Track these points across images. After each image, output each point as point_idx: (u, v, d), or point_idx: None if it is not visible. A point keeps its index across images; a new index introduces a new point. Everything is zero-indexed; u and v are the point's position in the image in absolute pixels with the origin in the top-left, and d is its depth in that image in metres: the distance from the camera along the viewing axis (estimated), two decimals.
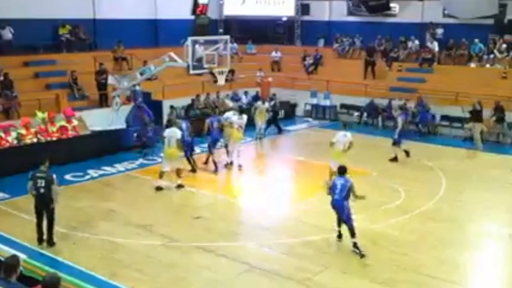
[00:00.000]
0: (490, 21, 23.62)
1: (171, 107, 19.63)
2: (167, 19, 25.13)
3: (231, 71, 20.97)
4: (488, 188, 14.40)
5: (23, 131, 15.48)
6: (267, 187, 14.90)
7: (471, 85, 20.98)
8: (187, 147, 15.11)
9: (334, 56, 26.91)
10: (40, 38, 21.13)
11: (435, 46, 23.91)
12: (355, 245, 10.22)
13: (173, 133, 13.85)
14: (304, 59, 26.47)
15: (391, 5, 26.35)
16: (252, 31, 28.56)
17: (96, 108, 18.99)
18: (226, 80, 18.88)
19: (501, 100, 19.57)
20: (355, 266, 9.83)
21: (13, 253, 6.74)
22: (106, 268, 9.55)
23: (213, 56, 17.56)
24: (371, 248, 10.46)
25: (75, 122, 16.75)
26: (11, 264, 5.86)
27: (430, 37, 24.52)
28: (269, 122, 20.21)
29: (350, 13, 28.06)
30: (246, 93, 23.36)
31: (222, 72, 17.77)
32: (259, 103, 20.10)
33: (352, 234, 10.24)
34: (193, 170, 15.48)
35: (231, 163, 16.01)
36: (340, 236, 10.75)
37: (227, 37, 18.99)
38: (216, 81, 18.04)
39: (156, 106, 18.79)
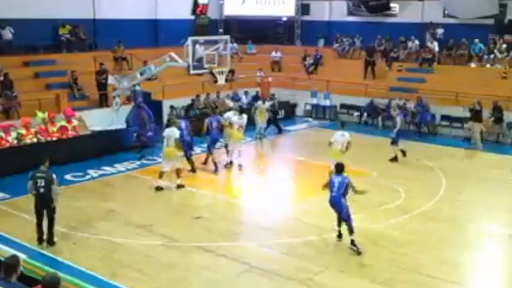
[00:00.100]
0: (490, 21, 23.63)
1: (171, 107, 19.67)
2: (167, 19, 25.14)
3: (231, 71, 21.02)
4: (488, 188, 14.40)
5: (23, 131, 15.49)
6: (267, 187, 14.89)
7: (471, 85, 20.98)
8: (186, 147, 15.13)
9: (334, 56, 26.92)
10: (40, 38, 21.13)
11: (435, 46, 23.91)
12: (352, 242, 10.32)
13: (171, 133, 13.87)
14: (304, 59, 26.48)
15: (391, 5, 26.37)
16: (252, 31, 28.56)
17: (96, 108, 18.99)
18: (226, 80, 18.90)
19: (499, 100, 19.59)
20: (355, 266, 9.84)
21: (13, 253, 6.74)
22: (106, 268, 9.55)
23: (213, 56, 17.57)
24: (371, 248, 10.48)
25: (75, 122, 16.76)
26: (11, 264, 5.86)
27: (430, 37, 24.52)
28: (268, 122, 20.21)
29: (350, 13, 28.07)
30: (246, 93, 23.36)
31: (222, 72, 17.79)
32: (259, 102, 20.10)
33: (351, 232, 10.34)
34: (193, 170, 15.48)
35: (231, 162, 16.01)
36: (340, 235, 10.76)
37: (227, 37, 19.00)
38: (216, 81, 18.05)
39: (156, 106, 18.77)
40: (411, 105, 20.81)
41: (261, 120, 19.47)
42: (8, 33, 20.14)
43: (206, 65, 17.42)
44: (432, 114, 21.14)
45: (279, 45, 28.11)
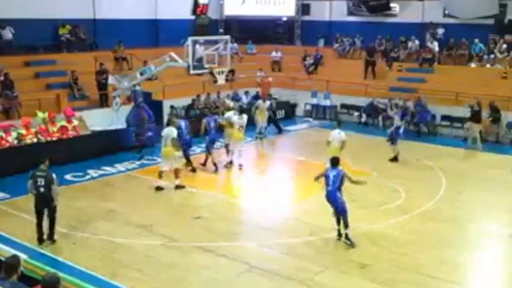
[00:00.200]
0: (491, 21, 23.62)
1: (172, 107, 19.67)
2: (167, 19, 25.13)
3: (231, 71, 21.02)
4: (488, 188, 14.41)
5: (24, 131, 15.51)
6: (267, 187, 14.90)
7: (471, 85, 20.98)
8: (186, 146, 15.14)
9: (334, 56, 26.91)
10: (40, 38, 21.13)
11: (435, 46, 23.91)
12: (346, 236, 10.47)
13: (169, 132, 13.90)
14: (304, 59, 26.47)
15: (392, 5, 26.36)
16: (252, 31, 28.56)
17: (97, 108, 18.98)
18: (226, 80, 18.90)
19: (495, 100, 19.60)
20: (355, 266, 9.83)
21: (13, 253, 6.75)
22: (106, 268, 9.55)
23: (214, 56, 17.57)
24: (371, 248, 10.49)
25: (75, 122, 16.77)
26: (12, 264, 5.87)
27: (430, 37, 24.52)
28: (268, 122, 20.19)
29: (350, 13, 28.06)
30: (246, 93, 23.35)
31: (222, 72, 17.78)
32: (260, 101, 20.06)
33: (346, 226, 10.47)
34: (193, 170, 15.49)
35: (231, 162, 16.02)
36: (340, 234, 10.77)
37: (227, 37, 19.00)
38: (215, 81, 18.04)
39: (157, 106, 18.78)
40: (409, 105, 20.82)
41: (261, 119, 19.43)
42: (8, 33, 20.15)
43: (206, 65, 17.42)
44: (432, 114, 21.15)
45: (279, 45, 28.10)
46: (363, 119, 22.62)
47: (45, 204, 10.28)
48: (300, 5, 29.13)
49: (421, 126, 21.04)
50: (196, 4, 26.63)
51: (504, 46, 22.74)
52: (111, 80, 19.42)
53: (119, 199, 13.44)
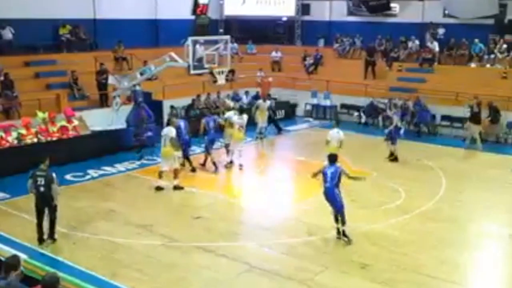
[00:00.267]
0: (491, 21, 23.63)
1: (172, 107, 19.67)
2: (167, 19, 25.14)
3: (232, 71, 21.00)
4: (488, 188, 14.41)
5: (24, 131, 15.51)
6: (267, 187, 14.90)
7: (472, 85, 20.96)
8: (185, 146, 15.15)
9: (334, 56, 26.91)
10: (41, 38, 21.13)
11: (435, 46, 23.90)
12: (343, 232, 10.56)
13: (168, 132, 13.91)
14: (304, 59, 26.47)
15: (392, 5, 26.37)
16: (252, 31, 28.56)
17: (97, 108, 18.97)
18: (227, 80, 18.89)
19: (494, 101, 19.60)
20: (355, 266, 9.83)
21: (13, 253, 6.75)
22: (106, 268, 9.56)
23: (214, 56, 17.56)
24: (371, 248, 10.49)
25: (75, 122, 16.77)
26: (11, 264, 5.87)
27: (431, 37, 24.52)
28: (268, 121, 20.17)
29: (350, 13, 28.06)
30: (247, 93, 23.36)
31: (222, 72, 17.77)
32: (260, 101, 20.04)
33: (343, 223, 10.55)
34: (193, 169, 15.50)
35: (231, 162, 16.02)
36: (339, 232, 10.78)
37: (227, 37, 18.99)
38: (215, 81, 18.03)
39: (157, 106, 18.80)
40: (410, 105, 20.83)
41: (261, 119, 19.41)
42: (8, 33, 20.15)
43: (206, 65, 17.40)
44: (432, 114, 21.15)
45: (279, 45, 28.10)
46: (363, 119, 22.63)
47: (45, 204, 10.28)
48: (300, 5, 29.13)
49: (421, 126, 21.05)
50: (196, 4, 26.63)
51: (504, 46, 22.75)
52: (111, 80, 19.42)
53: (119, 199, 13.44)
